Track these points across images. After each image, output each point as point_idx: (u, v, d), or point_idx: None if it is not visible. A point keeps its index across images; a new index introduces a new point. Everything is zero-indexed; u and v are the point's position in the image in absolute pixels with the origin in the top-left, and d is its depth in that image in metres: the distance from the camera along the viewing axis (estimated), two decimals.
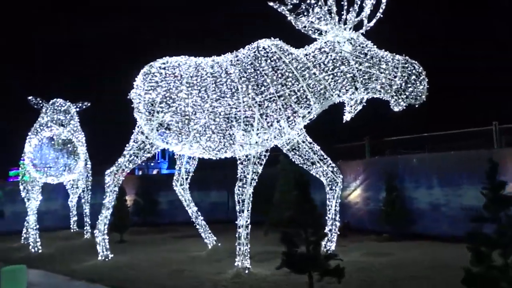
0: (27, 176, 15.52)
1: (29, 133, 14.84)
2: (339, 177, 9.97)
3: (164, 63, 10.64)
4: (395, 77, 8.31)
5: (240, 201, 9.06)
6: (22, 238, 15.91)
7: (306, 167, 10.23)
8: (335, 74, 8.64)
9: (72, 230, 18.05)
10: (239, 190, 9.10)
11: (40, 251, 13.39)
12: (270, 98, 8.76)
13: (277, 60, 8.92)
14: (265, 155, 9.29)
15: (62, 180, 15.46)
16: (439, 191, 11.77)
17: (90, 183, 16.42)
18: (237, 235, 9.09)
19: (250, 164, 9.10)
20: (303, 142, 10.16)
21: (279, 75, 8.81)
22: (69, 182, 17.38)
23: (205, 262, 10.43)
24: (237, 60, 9.32)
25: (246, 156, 9.26)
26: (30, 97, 14.35)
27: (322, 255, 6.73)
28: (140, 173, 36.64)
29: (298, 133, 9.98)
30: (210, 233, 12.12)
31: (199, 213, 12.34)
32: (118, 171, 11.22)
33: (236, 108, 9.01)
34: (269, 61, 8.94)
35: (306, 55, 8.98)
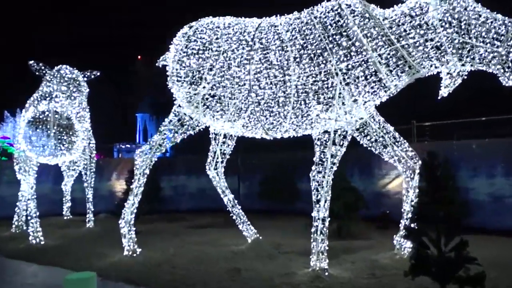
0: (22, 154, 13.44)
1: (26, 104, 12.72)
2: (417, 163, 8.64)
3: (211, 23, 8.95)
4: (498, 47, 6.99)
5: (318, 189, 7.56)
6: (13, 226, 13.83)
7: (377, 151, 8.84)
8: (417, 43, 7.24)
9: (65, 217, 16.08)
10: (316, 176, 7.60)
11: (42, 242, 11.45)
12: (358, 64, 7.30)
13: (366, 20, 7.42)
14: (347, 135, 7.78)
15: (60, 161, 13.47)
16: (503, 181, 10.72)
17: (94, 165, 14.40)
18: (312, 230, 7.62)
19: (329, 144, 7.60)
20: (373, 120, 8.76)
21: (369, 38, 7.34)
22: (65, 163, 15.38)
23: (256, 259, 8.92)
24: (312, 20, 7.75)
25: (324, 136, 7.74)
26: (31, 61, 12.18)
27: (461, 258, 5.40)
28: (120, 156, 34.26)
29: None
30: (249, 224, 10.58)
31: (236, 201, 10.76)
32: (150, 151, 9.47)
33: (314, 77, 7.49)
34: (357, 20, 7.43)
35: (386, 18, 7.54)
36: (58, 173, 16.26)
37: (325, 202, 7.52)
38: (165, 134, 9.38)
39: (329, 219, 7.67)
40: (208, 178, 18.33)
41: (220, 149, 10.60)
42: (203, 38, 8.76)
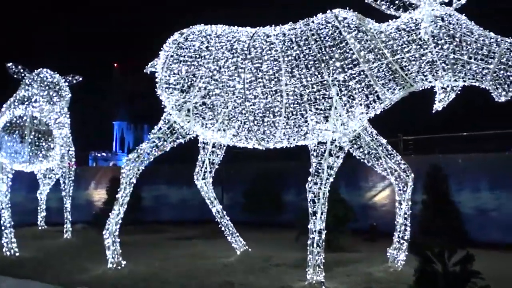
0: None
1: (2, 108, 12.14)
2: (409, 176, 8.63)
3: (203, 30, 8.79)
4: (490, 64, 7.11)
5: (314, 201, 7.43)
6: None
7: (370, 164, 8.80)
8: (411, 57, 7.31)
9: (40, 227, 15.40)
10: (313, 187, 7.47)
11: (17, 254, 10.84)
12: (354, 76, 7.29)
13: (361, 33, 7.44)
14: (343, 146, 7.71)
15: (37, 168, 12.90)
16: (488, 195, 10.88)
17: (72, 174, 13.85)
18: (309, 242, 7.46)
19: (325, 155, 7.50)
20: (366, 132, 8.73)
21: (365, 51, 7.35)
22: (41, 171, 14.73)
23: (248, 272, 8.67)
24: (308, 31, 7.71)
25: (320, 146, 7.64)
26: (9, 64, 11.65)
27: (467, 272, 5.33)
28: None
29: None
30: (238, 236, 10.33)
31: (225, 212, 10.49)
32: (138, 159, 9.13)
33: (310, 87, 7.41)
34: (353, 33, 7.43)
35: (381, 32, 7.59)
36: (32, 181, 15.55)
37: (322, 214, 7.38)
38: (154, 142, 9.08)
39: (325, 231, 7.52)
40: (191, 188, 18.36)
41: (209, 159, 10.36)
42: (195, 45, 8.59)
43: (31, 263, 9.99)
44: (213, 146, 10.26)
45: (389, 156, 8.74)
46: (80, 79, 12.69)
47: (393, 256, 8.45)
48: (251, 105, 7.83)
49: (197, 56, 8.43)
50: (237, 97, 7.96)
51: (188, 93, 8.38)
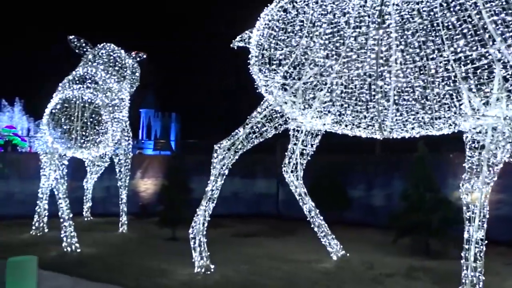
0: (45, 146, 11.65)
1: (59, 87, 10.91)
2: None
3: None
4: None
5: (469, 205, 6.04)
6: (33, 228, 11.95)
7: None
8: None
9: (85, 219, 14.31)
10: (467, 187, 6.08)
11: (78, 250, 9.67)
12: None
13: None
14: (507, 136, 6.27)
15: (85, 155, 11.60)
16: None
17: (129, 161, 12.62)
18: (463, 254, 6.08)
19: (486, 148, 6.08)
20: None
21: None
22: (89, 158, 13.55)
23: (360, 283, 7.36)
24: None
25: (478, 137, 6.22)
26: (71, 36, 10.38)
27: None
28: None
29: None
30: (333, 238, 9.01)
31: (318, 211, 9.16)
32: (232, 147, 7.82)
33: (470, 62, 5.98)
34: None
35: None
36: (74, 168, 14.32)
37: (481, 219, 5.99)
38: (252, 128, 7.75)
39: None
40: (243, 181, 17.11)
41: (301, 149, 9.01)
42: (306, 11, 7.18)
43: (97, 262, 8.79)
44: (306, 134, 8.91)
45: None
46: (144, 56, 11.40)
47: None
48: (385, 84, 6.43)
49: (312, 24, 7.02)
50: (366, 74, 6.57)
51: (298, 73, 7.01)
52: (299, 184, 9.12)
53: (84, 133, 10.23)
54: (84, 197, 14.64)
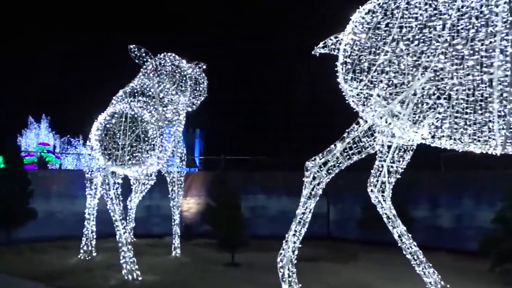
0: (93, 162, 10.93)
1: (113, 100, 10.22)
2: None
3: None
4: None
5: None
6: (81, 251, 11.14)
7: None
8: None
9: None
10: None
11: (140, 278, 8.81)
12: None
13: None
14: None
15: (132, 173, 10.77)
16: None
17: (183, 179, 11.82)
18: None
19: None
20: None
21: None
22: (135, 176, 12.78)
23: None
24: None
25: None
26: (131, 46, 9.70)
27: None
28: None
29: None
30: (430, 266, 7.98)
31: (410, 235, 8.17)
32: (325, 164, 6.96)
33: None
34: None
35: None
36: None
37: None
38: (348, 143, 6.90)
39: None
40: (290, 199, 16.12)
41: (389, 165, 8.09)
42: (410, 12, 6.39)
43: None
44: (398, 149, 8.00)
45: None
46: (204, 66, 10.69)
47: None
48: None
49: (421, 28, 6.21)
50: (495, 80, 5.69)
51: (408, 79, 6.18)
52: (388, 206, 8.17)
53: (135, 149, 9.50)
54: (127, 217, 13.84)
